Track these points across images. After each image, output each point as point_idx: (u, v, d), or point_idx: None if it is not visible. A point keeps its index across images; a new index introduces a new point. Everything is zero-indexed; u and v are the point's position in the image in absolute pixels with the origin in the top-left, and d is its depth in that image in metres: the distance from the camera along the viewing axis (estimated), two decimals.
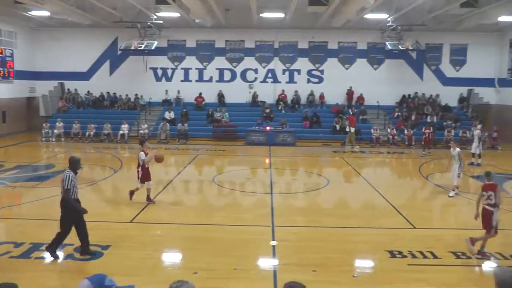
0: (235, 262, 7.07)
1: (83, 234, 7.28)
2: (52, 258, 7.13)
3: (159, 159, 10.68)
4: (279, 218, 9.64)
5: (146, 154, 10.50)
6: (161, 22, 23.81)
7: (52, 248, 7.14)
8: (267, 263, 7.34)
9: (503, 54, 26.59)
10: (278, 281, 6.50)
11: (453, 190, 12.23)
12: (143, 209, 10.14)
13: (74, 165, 7.42)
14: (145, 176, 10.45)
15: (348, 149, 21.34)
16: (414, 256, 7.59)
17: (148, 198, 10.55)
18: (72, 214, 7.18)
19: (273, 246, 7.86)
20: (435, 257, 7.61)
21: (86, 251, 7.27)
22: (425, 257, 7.60)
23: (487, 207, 7.80)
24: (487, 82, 27.18)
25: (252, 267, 7.08)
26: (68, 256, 7.29)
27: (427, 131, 20.31)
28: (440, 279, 6.77)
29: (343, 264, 7.24)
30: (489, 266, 7.34)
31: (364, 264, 7.55)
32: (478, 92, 27.29)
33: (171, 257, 7.68)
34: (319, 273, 6.74)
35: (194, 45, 26.79)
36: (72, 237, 7.33)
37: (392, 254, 7.63)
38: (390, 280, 6.68)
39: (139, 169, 10.47)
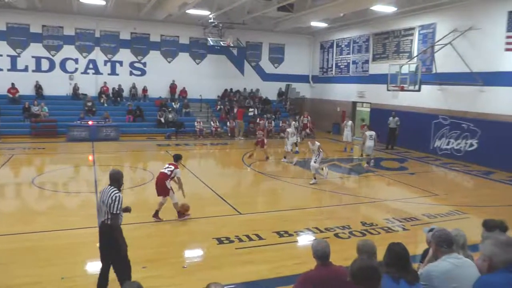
0: (62, 271, 6.72)
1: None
2: None
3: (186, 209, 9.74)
4: None
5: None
6: None
7: None
8: (95, 267, 6.89)
9: (315, 54, 30.38)
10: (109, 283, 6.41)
11: (314, 178, 13.53)
12: None
13: (120, 181, 6.00)
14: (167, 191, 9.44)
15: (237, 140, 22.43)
16: (241, 240, 8.23)
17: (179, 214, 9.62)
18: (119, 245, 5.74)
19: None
20: (260, 238, 8.38)
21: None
22: (251, 239, 8.31)
23: None
24: (302, 78, 30.66)
25: (81, 274, 6.81)
26: None
27: (262, 121, 22.14)
28: (266, 257, 7.49)
29: (173, 256, 7.48)
30: (307, 240, 8.40)
31: (193, 254, 7.87)
32: (295, 87, 30.54)
33: None
34: (149, 269, 6.83)
35: (4, 28, 23.70)
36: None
37: (220, 241, 8.16)
38: (218, 265, 7.14)
39: (167, 182, 9.40)
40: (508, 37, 16.48)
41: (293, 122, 21.00)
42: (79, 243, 7.96)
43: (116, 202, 5.62)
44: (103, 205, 5.73)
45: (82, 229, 8.71)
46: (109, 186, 5.84)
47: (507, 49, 16.50)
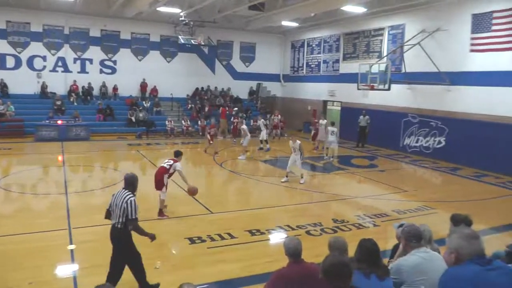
0: (30, 275, 6.52)
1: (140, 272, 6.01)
2: None
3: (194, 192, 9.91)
4: (76, 219, 9.22)
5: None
6: None
7: None
8: (66, 270, 6.91)
9: (286, 53, 30.55)
10: (79, 287, 6.29)
11: (286, 176, 13.71)
12: None
13: (135, 185, 5.96)
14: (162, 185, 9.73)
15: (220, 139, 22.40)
16: (213, 239, 8.21)
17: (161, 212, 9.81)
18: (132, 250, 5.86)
19: (71, 250, 7.51)
20: (232, 237, 8.37)
21: None
22: (223, 238, 8.30)
23: None
24: (273, 77, 30.78)
25: (49, 278, 6.62)
26: None
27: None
28: (238, 256, 7.50)
29: (145, 257, 7.24)
30: (279, 238, 8.43)
31: (165, 254, 7.76)
32: (266, 86, 30.60)
33: None
34: None
35: None
36: None
37: (192, 241, 8.12)
38: (191, 265, 7.10)
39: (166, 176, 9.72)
40: (472, 38, 16.97)
41: (262, 120, 21.20)
42: (48, 246, 7.76)
43: (132, 207, 5.63)
44: (116, 208, 5.71)
45: (51, 232, 8.50)
46: (124, 190, 5.82)
47: (472, 50, 17.00)
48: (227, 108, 25.77)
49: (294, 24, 25.81)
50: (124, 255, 5.84)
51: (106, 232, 8.38)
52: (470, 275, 2.80)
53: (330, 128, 18.22)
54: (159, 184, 9.69)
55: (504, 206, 11.89)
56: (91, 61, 25.75)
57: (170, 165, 9.75)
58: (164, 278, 6.56)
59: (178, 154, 10.22)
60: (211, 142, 18.42)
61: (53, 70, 24.89)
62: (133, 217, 5.65)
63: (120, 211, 5.65)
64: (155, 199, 9.84)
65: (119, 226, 5.72)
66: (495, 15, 16.13)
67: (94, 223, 8.90)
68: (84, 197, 11.67)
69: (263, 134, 20.03)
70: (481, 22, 16.64)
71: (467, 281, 2.79)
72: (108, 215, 5.92)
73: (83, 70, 25.61)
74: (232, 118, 24.16)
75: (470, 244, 2.89)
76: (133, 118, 24.29)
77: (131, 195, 5.74)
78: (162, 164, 9.89)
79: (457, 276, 2.86)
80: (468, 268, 2.84)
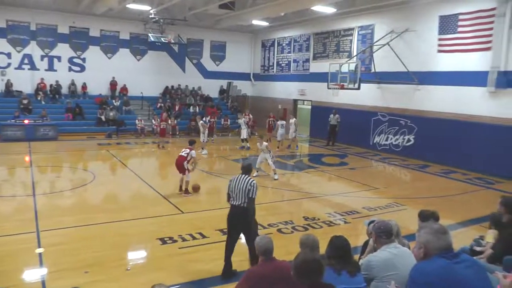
0: None
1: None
2: None
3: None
4: (44, 221, 8.96)
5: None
6: None
7: None
8: (34, 274, 6.67)
9: (256, 52, 30.56)
10: None
11: (257, 172, 13.86)
12: None
13: (251, 170, 7.15)
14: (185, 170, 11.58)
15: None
16: (184, 239, 8.14)
17: (186, 191, 11.62)
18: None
19: (40, 253, 7.29)
20: (204, 237, 8.33)
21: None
22: (194, 238, 8.24)
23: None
24: (244, 76, 30.77)
25: (17, 282, 6.38)
26: None
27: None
28: (210, 256, 7.44)
29: (117, 259, 7.25)
30: None
31: (136, 255, 7.68)
32: (237, 85, 30.50)
33: None
34: (92, 274, 6.58)
35: None
36: None
37: (163, 241, 8.03)
38: (163, 266, 7.02)
39: (185, 163, 11.52)
40: (440, 39, 17.40)
41: (242, 119, 21.39)
42: (15, 250, 7.50)
43: (255, 188, 6.59)
44: (239, 191, 6.57)
45: (18, 235, 8.21)
46: (243, 175, 6.72)
47: (440, 51, 17.44)
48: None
49: (264, 23, 25.86)
50: (248, 228, 6.70)
51: (75, 234, 8.35)
52: (438, 268, 2.88)
53: (279, 122, 20.41)
54: (182, 169, 11.55)
55: (470, 202, 12.25)
56: (59, 58, 25.10)
57: (187, 153, 11.56)
58: (136, 279, 6.49)
59: (192, 143, 11.96)
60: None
61: (19, 67, 24.12)
62: (253, 196, 6.60)
63: (244, 192, 6.53)
64: (124, 200, 9.68)
65: (243, 205, 6.57)
66: (461, 17, 16.59)
67: (63, 225, 8.80)
68: (53, 198, 11.39)
69: (244, 133, 20.20)
70: (448, 24, 17.08)
71: (435, 274, 2.87)
72: (229, 198, 6.77)
73: (51, 68, 24.96)
74: (209, 117, 23.94)
75: (437, 239, 2.97)
76: (102, 117, 23.86)
77: (252, 178, 6.72)
78: (181, 154, 11.68)
79: (425, 270, 2.93)
80: (435, 262, 2.91)
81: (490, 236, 5.76)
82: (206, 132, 19.01)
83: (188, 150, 11.61)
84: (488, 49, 15.69)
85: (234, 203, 6.62)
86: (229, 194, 6.73)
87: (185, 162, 11.49)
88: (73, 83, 25.36)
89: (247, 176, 6.71)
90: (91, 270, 6.69)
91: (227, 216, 6.75)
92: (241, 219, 6.62)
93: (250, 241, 6.56)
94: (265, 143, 13.95)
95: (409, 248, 4.80)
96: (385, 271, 4.14)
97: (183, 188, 11.60)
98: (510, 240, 5.18)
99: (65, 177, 14.36)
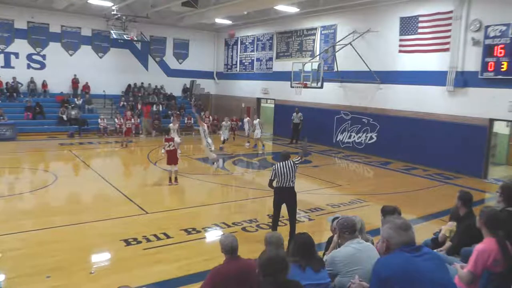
0: None
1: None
2: None
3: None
4: (2, 225, 8.62)
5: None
6: None
7: None
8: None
9: (219, 51, 30.46)
10: None
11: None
12: None
13: (289, 155, 8.15)
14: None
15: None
16: (148, 240, 8.04)
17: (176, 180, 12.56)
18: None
19: None
20: (168, 237, 8.25)
21: None
22: (159, 239, 8.15)
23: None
24: (207, 75, 30.60)
25: None
26: None
27: (129, 112, 22.35)
28: (174, 256, 7.38)
29: (79, 262, 7.06)
30: (215, 235, 8.43)
31: (100, 258, 7.52)
32: (200, 83, 30.28)
33: None
34: (54, 278, 6.39)
35: None
36: None
37: (127, 242, 7.90)
38: (127, 268, 6.90)
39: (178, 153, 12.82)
40: (401, 40, 17.84)
41: (223, 122, 20.99)
42: None
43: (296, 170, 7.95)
44: (288, 173, 7.76)
45: None
46: (286, 161, 7.86)
47: (401, 51, 17.88)
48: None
49: (227, 22, 25.80)
50: (295, 203, 8.06)
51: (35, 238, 8.10)
52: (400, 262, 2.97)
53: (245, 120, 21.66)
54: (176, 160, 12.55)
55: (431, 197, 12.64)
56: (16, 55, 24.16)
57: (173, 144, 12.39)
58: (100, 282, 6.37)
59: (167, 131, 13.34)
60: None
61: None
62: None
63: (293, 173, 7.82)
64: (87, 201, 9.40)
65: (292, 185, 7.86)
66: (420, 19, 17.06)
67: (23, 229, 8.53)
68: (11, 201, 10.98)
69: (225, 134, 20.42)
70: (408, 25, 17.53)
71: (397, 268, 2.96)
72: (270, 183, 7.94)
73: (7, 65, 23.96)
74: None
75: (399, 234, 3.06)
76: (64, 116, 23.22)
77: (293, 160, 8.06)
78: (168, 148, 12.45)
79: (387, 263, 3.02)
80: (397, 256, 3.01)
81: (448, 229, 5.96)
82: (207, 130, 17.85)
83: (171, 142, 12.45)
84: (446, 49, 16.20)
85: (284, 185, 7.79)
86: (271, 180, 7.85)
87: (178, 152, 12.76)
88: (32, 81, 24.52)
89: (289, 160, 7.89)
90: (53, 275, 6.49)
91: (275, 197, 7.99)
92: (292, 196, 7.91)
93: (295, 216, 8.07)
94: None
95: (372, 243, 4.91)
96: (349, 266, 4.22)
97: (173, 178, 12.52)
98: (467, 232, 5.37)
99: (25, 179, 13.89)
